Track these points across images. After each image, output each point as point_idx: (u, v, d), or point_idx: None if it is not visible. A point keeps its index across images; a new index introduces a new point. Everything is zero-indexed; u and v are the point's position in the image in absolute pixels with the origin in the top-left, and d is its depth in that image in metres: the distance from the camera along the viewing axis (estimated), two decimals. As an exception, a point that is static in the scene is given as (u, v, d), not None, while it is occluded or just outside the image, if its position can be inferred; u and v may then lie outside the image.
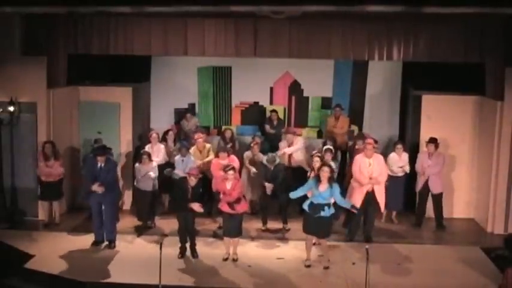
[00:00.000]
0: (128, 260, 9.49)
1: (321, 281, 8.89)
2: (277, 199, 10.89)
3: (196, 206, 9.46)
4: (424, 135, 11.53)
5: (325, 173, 9.13)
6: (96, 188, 9.75)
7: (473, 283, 8.94)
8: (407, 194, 11.52)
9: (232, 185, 9.50)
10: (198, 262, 9.52)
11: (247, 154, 11.56)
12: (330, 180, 9.15)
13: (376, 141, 11.18)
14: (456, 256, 9.86)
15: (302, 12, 10.22)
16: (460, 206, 11.86)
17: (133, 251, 9.82)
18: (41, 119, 11.10)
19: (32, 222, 11.12)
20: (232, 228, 9.59)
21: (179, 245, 9.72)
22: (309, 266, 9.38)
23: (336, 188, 9.21)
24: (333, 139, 11.99)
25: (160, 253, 8.18)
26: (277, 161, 10.84)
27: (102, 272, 9.05)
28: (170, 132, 12.01)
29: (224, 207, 9.58)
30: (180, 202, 9.57)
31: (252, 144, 11.62)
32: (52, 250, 9.85)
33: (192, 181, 9.56)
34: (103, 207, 9.97)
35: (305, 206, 9.32)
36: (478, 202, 11.63)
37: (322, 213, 9.17)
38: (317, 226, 9.23)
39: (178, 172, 10.88)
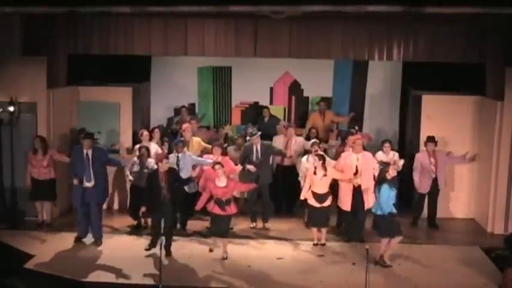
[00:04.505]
0: (128, 260, 9.47)
1: (321, 281, 8.89)
2: (261, 197, 10.93)
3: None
4: (424, 135, 11.52)
5: (393, 174, 9.21)
6: (77, 181, 9.75)
7: (473, 283, 8.93)
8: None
9: (226, 184, 9.44)
10: (197, 262, 9.49)
11: (231, 149, 11.46)
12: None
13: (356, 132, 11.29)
14: (456, 256, 9.85)
15: (302, 12, 10.22)
16: (460, 206, 11.86)
17: (133, 251, 9.80)
18: (41, 119, 11.10)
19: (32, 222, 11.09)
20: (222, 229, 9.55)
21: (166, 240, 9.57)
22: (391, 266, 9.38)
23: None
24: (316, 131, 11.94)
25: (161, 253, 8.19)
26: (258, 133, 10.80)
27: (102, 272, 9.05)
28: (156, 130, 11.87)
29: (215, 209, 9.50)
30: (154, 199, 9.48)
31: (236, 137, 11.66)
32: (52, 250, 9.85)
33: (164, 166, 9.42)
34: (91, 202, 9.91)
35: (390, 210, 9.16)
36: (478, 202, 11.64)
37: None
38: (390, 226, 9.25)
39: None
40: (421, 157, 11.15)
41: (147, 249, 9.65)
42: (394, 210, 9.19)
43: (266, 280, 8.92)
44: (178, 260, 9.50)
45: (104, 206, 11.78)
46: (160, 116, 13.48)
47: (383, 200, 9.15)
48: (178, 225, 10.62)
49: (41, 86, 11.01)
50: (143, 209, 9.74)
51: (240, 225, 11.07)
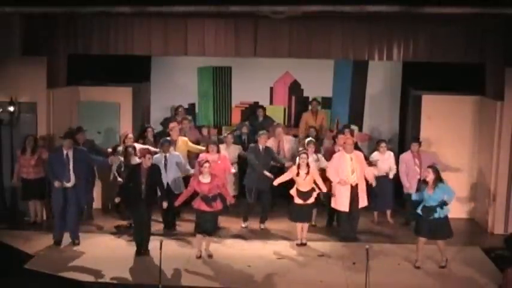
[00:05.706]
0: (128, 260, 9.48)
1: (321, 281, 8.89)
2: (261, 200, 10.97)
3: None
4: (424, 135, 11.53)
5: (430, 176, 9.14)
6: (59, 184, 9.70)
7: (473, 283, 8.94)
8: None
9: (210, 180, 9.40)
10: (197, 262, 9.49)
11: (222, 147, 11.41)
12: (435, 181, 9.15)
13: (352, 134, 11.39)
14: (456, 256, 9.85)
15: (302, 12, 10.23)
16: (460, 206, 11.82)
17: (132, 251, 9.79)
18: (41, 119, 11.10)
19: (31, 222, 11.07)
20: (209, 225, 9.52)
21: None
22: (418, 268, 9.34)
23: (444, 187, 9.20)
24: (315, 131, 12.00)
25: (160, 253, 8.18)
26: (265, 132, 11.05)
27: (102, 272, 9.04)
28: (149, 129, 11.87)
29: (201, 206, 9.44)
30: (132, 194, 9.46)
31: (225, 135, 11.76)
32: (52, 250, 9.86)
33: (147, 161, 9.41)
34: (70, 203, 9.86)
35: (418, 210, 9.26)
36: (478, 202, 11.63)
37: (436, 215, 9.16)
38: (430, 228, 9.19)
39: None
40: (406, 158, 11.09)
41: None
42: (421, 213, 9.19)
43: (266, 280, 8.91)
44: (177, 260, 9.47)
45: (99, 206, 11.81)
46: (160, 116, 13.46)
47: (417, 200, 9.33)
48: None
49: (41, 86, 11.01)
50: (117, 199, 9.69)
51: (239, 225, 11.10)
